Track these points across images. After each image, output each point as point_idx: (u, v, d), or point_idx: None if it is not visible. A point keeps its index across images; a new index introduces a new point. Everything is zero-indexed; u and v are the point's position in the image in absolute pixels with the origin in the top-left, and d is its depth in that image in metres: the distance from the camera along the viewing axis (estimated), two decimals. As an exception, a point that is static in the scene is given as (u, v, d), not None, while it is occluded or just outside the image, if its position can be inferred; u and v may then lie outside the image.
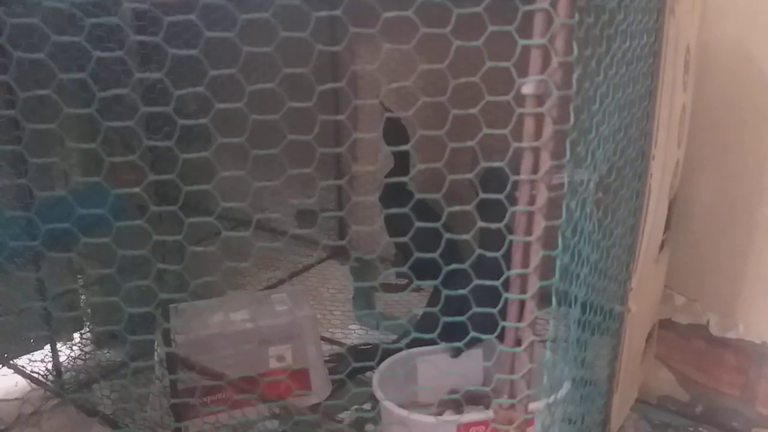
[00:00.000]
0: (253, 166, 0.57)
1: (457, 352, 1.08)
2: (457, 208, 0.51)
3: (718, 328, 1.29)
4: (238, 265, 0.60)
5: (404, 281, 1.59)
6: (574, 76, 0.47)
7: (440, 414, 1.03)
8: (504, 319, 0.53)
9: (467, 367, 1.08)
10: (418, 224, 0.59)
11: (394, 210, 0.65)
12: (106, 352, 1.33)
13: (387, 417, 0.94)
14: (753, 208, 1.19)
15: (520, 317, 0.52)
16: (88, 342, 1.42)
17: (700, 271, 1.28)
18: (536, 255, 0.50)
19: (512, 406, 0.55)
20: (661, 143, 0.83)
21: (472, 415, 0.89)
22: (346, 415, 1.12)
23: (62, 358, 1.24)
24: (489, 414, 0.93)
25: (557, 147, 0.48)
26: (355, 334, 1.43)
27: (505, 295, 0.51)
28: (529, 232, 0.49)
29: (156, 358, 0.99)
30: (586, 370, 0.77)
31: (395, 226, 1.43)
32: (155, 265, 0.60)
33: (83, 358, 1.25)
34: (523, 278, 0.51)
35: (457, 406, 1.03)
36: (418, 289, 1.56)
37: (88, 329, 1.48)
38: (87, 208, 0.62)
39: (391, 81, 1.50)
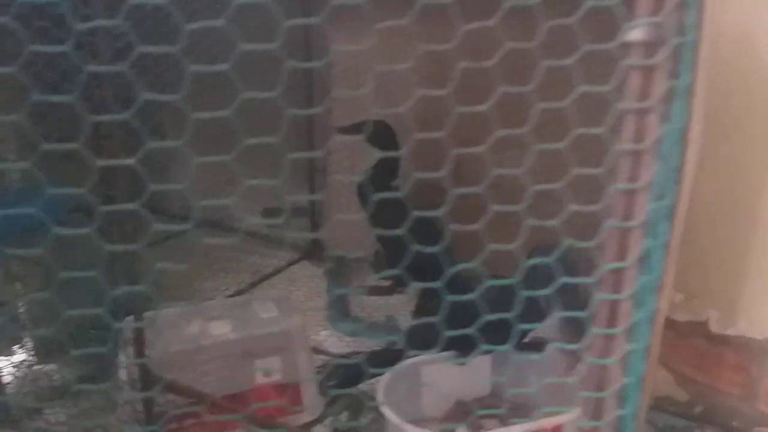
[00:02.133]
0: (218, 166, 0.46)
1: (464, 360, 0.98)
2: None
3: (718, 325, 1.25)
4: (176, 269, 0.49)
5: (388, 283, 1.48)
6: (692, 19, 0.38)
7: (448, 427, 0.93)
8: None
9: (473, 376, 0.99)
10: (416, 213, 0.49)
11: (381, 195, 0.56)
12: (44, 367, 1.18)
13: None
14: (756, 202, 1.15)
15: (612, 322, 0.42)
16: (29, 356, 1.26)
17: (701, 267, 1.23)
18: (637, 245, 0.40)
19: (595, 429, 0.46)
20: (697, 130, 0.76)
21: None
22: (320, 428, 1.01)
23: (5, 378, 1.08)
24: (515, 429, 0.85)
25: (666, 109, 0.38)
26: (327, 342, 1.33)
27: (597, 296, 0.41)
28: (628, 216, 0.40)
29: (122, 377, 0.85)
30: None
31: (381, 220, 1.32)
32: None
33: (30, 377, 1.09)
34: (618, 274, 0.41)
35: (466, 418, 0.94)
36: (401, 291, 1.46)
37: (26, 342, 1.33)
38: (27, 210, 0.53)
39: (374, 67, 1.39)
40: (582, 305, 0.51)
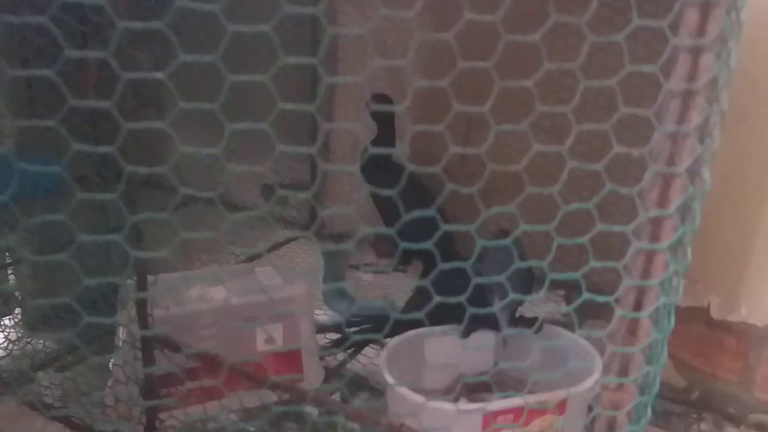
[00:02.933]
0: (211, 134, 0.44)
1: (466, 333, 0.97)
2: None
3: (719, 311, 1.24)
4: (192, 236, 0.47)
5: (388, 262, 1.47)
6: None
7: (448, 400, 0.92)
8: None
9: (475, 350, 0.97)
10: (413, 209, 0.48)
11: (383, 191, 0.54)
12: (38, 341, 1.15)
13: (397, 405, 0.82)
14: (763, 185, 1.14)
15: (648, 273, 0.41)
16: (19, 328, 1.24)
17: (704, 251, 1.22)
18: (680, 192, 0.38)
19: (621, 387, 0.44)
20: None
21: (499, 403, 0.78)
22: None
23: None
24: (518, 401, 0.84)
25: (720, 49, 0.37)
26: (324, 316, 1.31)
27: (635, 245, 0.40)
28: (673, 160, 0.38)
29: (120, 338, 0.83)
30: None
31: (383, 202, 1.30)
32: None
33: (25, 340, 1.06)
34: (657, 222, 0.40)
35: (470, 392, 0.92)
36: (404, 270, 1.44)
37: (18, 313, 1.30)
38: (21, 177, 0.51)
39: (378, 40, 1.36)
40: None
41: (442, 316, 0.75)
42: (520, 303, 0.91)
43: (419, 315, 0.48)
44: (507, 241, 0.53)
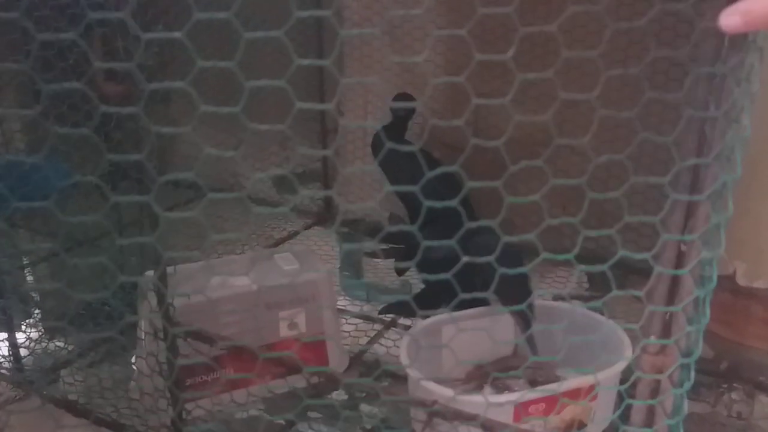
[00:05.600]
0: (223, 128, 0.43)
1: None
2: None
3: (745, 278, 1.21)
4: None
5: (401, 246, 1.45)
6: None
7: (471, 389, 0.90)
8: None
9: (495, 336, 0.95)
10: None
11: (393, 146, 0.52)
12: (59, 340, 1.14)
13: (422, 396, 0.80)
14: (788, 145, 1.11)
15: (686, 226, 0.39)
16: (38, 332, 1.23)
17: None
18: (720, 137, 0.36)
19: (663, 350, 0.42)
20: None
21: (529, 393, 0.76)
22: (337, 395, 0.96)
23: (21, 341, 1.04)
24: (548, 388, 0.81)
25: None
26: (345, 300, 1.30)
27: (672, 196, 0.38)
28: (709, 103, 0.36)
29: (142, 331, 0.82)
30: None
31: (396, 173, 1.28)
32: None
33: (45, 339, 1.06)
34: (697, 170, 0.38)
35: (488, 379, 0.90)
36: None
37: (37, 317, 1.29)
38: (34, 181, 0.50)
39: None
40: None
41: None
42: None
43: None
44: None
